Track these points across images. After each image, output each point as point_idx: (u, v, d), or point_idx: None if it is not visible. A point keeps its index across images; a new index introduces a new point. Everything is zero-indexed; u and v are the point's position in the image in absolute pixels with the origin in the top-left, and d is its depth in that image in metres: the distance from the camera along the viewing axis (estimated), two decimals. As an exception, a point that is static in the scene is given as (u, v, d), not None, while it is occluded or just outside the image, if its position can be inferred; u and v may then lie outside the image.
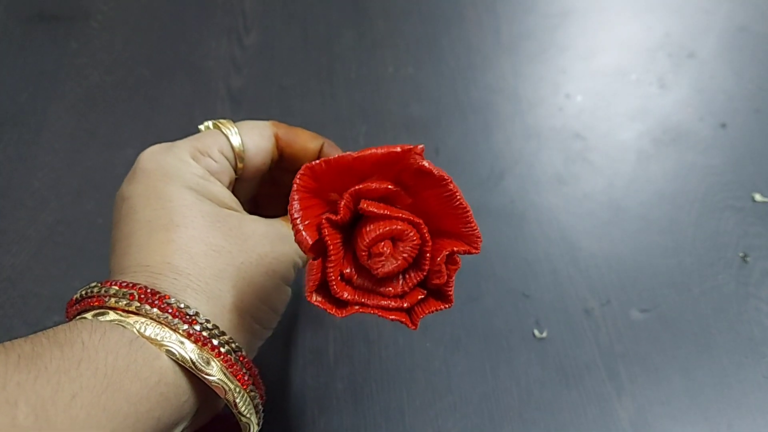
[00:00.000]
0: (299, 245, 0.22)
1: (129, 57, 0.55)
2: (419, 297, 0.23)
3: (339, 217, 0.22)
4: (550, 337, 0.40)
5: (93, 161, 0.48)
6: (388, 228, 0.23)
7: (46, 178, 0.47)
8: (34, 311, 0.41)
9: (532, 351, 0.39)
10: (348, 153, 0.23)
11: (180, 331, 0.23)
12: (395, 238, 0.23)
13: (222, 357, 0.24)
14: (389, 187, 0.23)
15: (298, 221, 0.22)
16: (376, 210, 0.23)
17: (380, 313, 0.23)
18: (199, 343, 0.23)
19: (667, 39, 0.55)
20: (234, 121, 0.30)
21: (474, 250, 0.23)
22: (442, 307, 0.23)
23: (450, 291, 0.23)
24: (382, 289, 0.23)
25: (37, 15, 0.58)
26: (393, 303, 0.23)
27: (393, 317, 0.23)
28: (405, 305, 0.23)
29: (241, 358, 0.25)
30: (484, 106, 0.51)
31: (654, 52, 0.54)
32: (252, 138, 0.29)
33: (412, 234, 0.23)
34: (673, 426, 0.36)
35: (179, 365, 0.23)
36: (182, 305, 0.23)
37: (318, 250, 0.22)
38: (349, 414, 0.37)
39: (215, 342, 0.24)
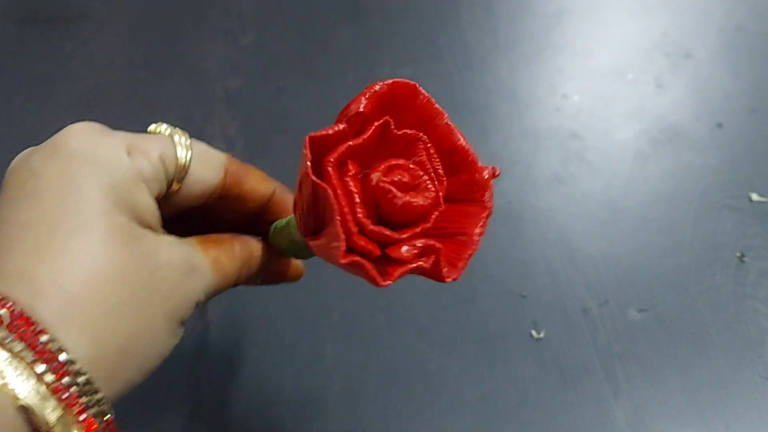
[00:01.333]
0: (352, 102, 0.21)
1: (125, 59, 0.55)
2: (370, 248, 0.21)
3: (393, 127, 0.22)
4: (548, 338, 0.39)
5: (89, 163, 0.48)
6: (426, 170, 0.22)
7: (42, 180, 0.47)
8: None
9: (529, 352, 0.39)
10: (441, 113, 0.23)
11: (45, 382, 0.19)
12: (415, 186, 0.22)
13: (86, 424, 0.20)
14: (441, 169, 0.23)
15: (366, 94, 0.21)
16: (427, 153, 0.22)
17: (336, 212, 0.20)
18: (64, 404, 0.19)
19: (665, 39, 0.55)
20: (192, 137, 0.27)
21: (442, 278, 0.22)
22: (375, 279, 0.20)
23: (395, 274, 0.21)
24: (358, 206, 0.21)
25: (32, 17, 0.58)
26: (352, 224, 0.21)
27: (339, 231, 0.20)
28: (354, 235, 0.20)
29: (107, 424, 0.21)
30: (481, 106, 0.51)
31: (651, 52, 0.54)
32: (200, 163, 0.26)
33: (430, 197, 0.22)
34: (670, 426, 0.36)
35: (30, 424, 0.19)
36: (56, 347, 0.20)
37: (352, 121, 0.21)
38: (346, 416, 0.37)
39: (83, 401, 0.20)
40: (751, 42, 0.54)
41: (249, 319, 0.40)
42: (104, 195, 0.22)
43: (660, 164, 0.47)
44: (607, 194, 0.46)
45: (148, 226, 0.23)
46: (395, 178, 0.21)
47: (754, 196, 0.45)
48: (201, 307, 0.25)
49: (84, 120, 0.25)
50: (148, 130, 0.27)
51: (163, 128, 0.26)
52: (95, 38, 0.56)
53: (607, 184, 0.46)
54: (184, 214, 0.27)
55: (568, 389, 0.38)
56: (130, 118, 0.51)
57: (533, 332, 0.40)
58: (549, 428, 0.36)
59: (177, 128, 0.26)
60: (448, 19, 0.57)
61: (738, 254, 0.43)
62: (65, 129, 0.24)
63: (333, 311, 0.41)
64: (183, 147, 0.25)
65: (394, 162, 0.22)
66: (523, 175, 0.47)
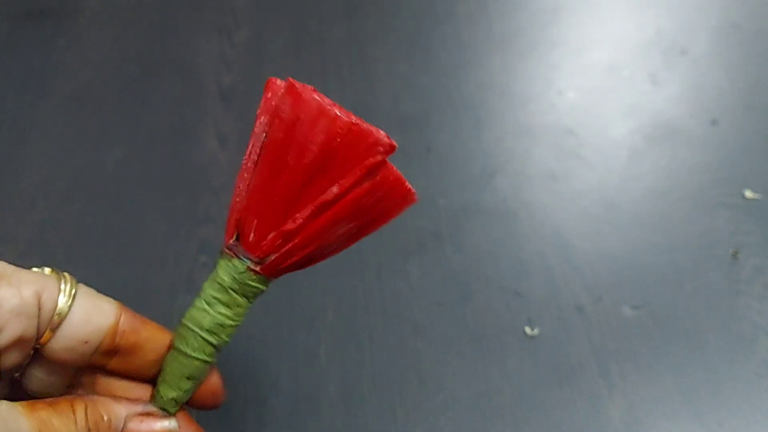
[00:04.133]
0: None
1: (118, 54, 0.55)
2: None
3: None
4: (543, 335, 0.39)
5: (82, 160, 0.48)
6: None
7: (34, 177, 0.47)
8: (23, 313, 0.40)
9: (524, 349, 0.39)
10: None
11: None
12: None
13: None
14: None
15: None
16: None
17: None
18: None
19: (660, 35, 0.55)
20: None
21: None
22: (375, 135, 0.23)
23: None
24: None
25: (25, 11, 0.57)
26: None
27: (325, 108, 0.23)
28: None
29: None
30: (476, 103, 0.51)
31: (646, 49, 0.54)
32: (86, 306, 0.23)
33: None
34: (664, 423, 0.36)
35: None
36: None
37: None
38: (341, 415, 0.37)
39: None
40: (746, 39, 0.54)
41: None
42: None
43: (655, 161, 0.47)
44: (602, 191, 0.46)
45: None
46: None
47: (748, 193, 0.45)
48: None
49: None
50: (32, 268, 0.24)
51: (47, 271, 0.23)
52: (88, 33, 0.56)
53: (601, 180, 0.46)
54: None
55: (562, 386, 0.38)
56: (123, 115, 0.51)
57: (528, 330, 0.40)
58: (544, 425, 0.36)
59: (65, 273, 0.23)
60: (443, 16, 0.57)
61: (732, 251, 0.43)
62: None
63: (327, 310, 0.40)
64: (66, 293, 0.22)
65: None
66: (518, 172, 0.47)
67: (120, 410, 0.24)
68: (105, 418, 0.23)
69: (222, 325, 0.24)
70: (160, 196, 0.46)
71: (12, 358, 0.22)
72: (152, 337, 0.25)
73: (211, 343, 0.24)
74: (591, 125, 0.50)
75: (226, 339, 0.25)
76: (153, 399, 0.25)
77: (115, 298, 0.26)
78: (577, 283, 0.42)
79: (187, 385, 0.25)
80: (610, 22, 0.56)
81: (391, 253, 0.43)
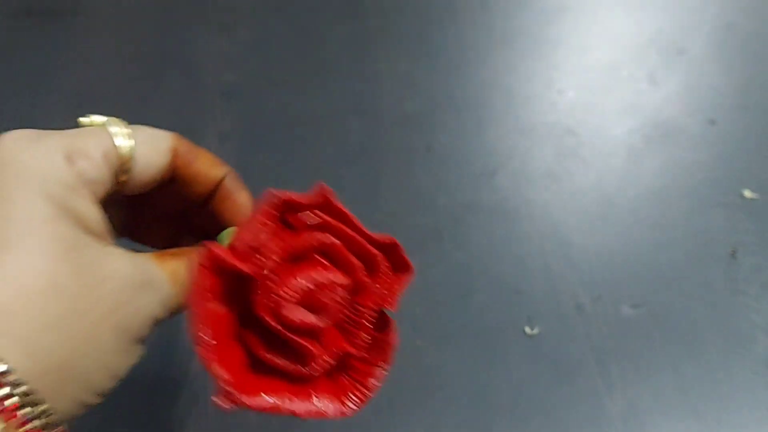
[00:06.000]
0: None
1: (119, 52, 0.55)
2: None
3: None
4: (542, 334, 0.40)
5: (83, 158, 0.48)
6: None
7: (36, 175, 0.47)
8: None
9: (524, 347, 0.39)
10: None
11: None
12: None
13: None
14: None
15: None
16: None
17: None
18: (3, 415, 0.18)
19: (658, 35, 0.55)
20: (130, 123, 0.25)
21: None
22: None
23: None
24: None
25: (25, 10, 0.57)
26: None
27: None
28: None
29: None
30: (477, 102, 0.51)
31: (645, 48, 0.54)
32: (146, 147, 0.24)
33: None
34: (662, 421, 0.37)
35: None
36: None
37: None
38: (342, 411, 0.37)
39: (25, 411, 0.19)
40: (743, 39, 0.55)
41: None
42: (42, 205, 0.21)
43: (653, 160, 0.48)
44: (601, 190, 0.46)
45: (93, 234, 0.22)
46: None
47: (747, 193, 0.46)
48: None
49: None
50: (80, 122, 0.25)
51: (98, 119, 0.25)
52: (89, 32, 0.56)
53: (600, 180, 0.47)
54: (118, 201, 0.26)
55: (562, 385, 0.38)
56: (124, 114, 0.50)
57: (527, 328, 0.40)
58: (543, 423, 0.37)
59: (112, 117, 0.25)
60: (444, 15, 0.57)
61: (730, 250, 0.43)
62: None
63: (329, 307, 0.41)
64: (123, 136, 0.24)
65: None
66: (519, 171, 0.47)
67: None
68: None
69: None
70: (162, 193, 0.46)
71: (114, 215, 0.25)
72: (202, 172, 0.26)
73: None
74: (590, 124, 0.50)
75: None
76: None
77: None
78: (576, 281, 0.42)
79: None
80: (610, 22, 0.57)
81: (391, 251, 0.43)
